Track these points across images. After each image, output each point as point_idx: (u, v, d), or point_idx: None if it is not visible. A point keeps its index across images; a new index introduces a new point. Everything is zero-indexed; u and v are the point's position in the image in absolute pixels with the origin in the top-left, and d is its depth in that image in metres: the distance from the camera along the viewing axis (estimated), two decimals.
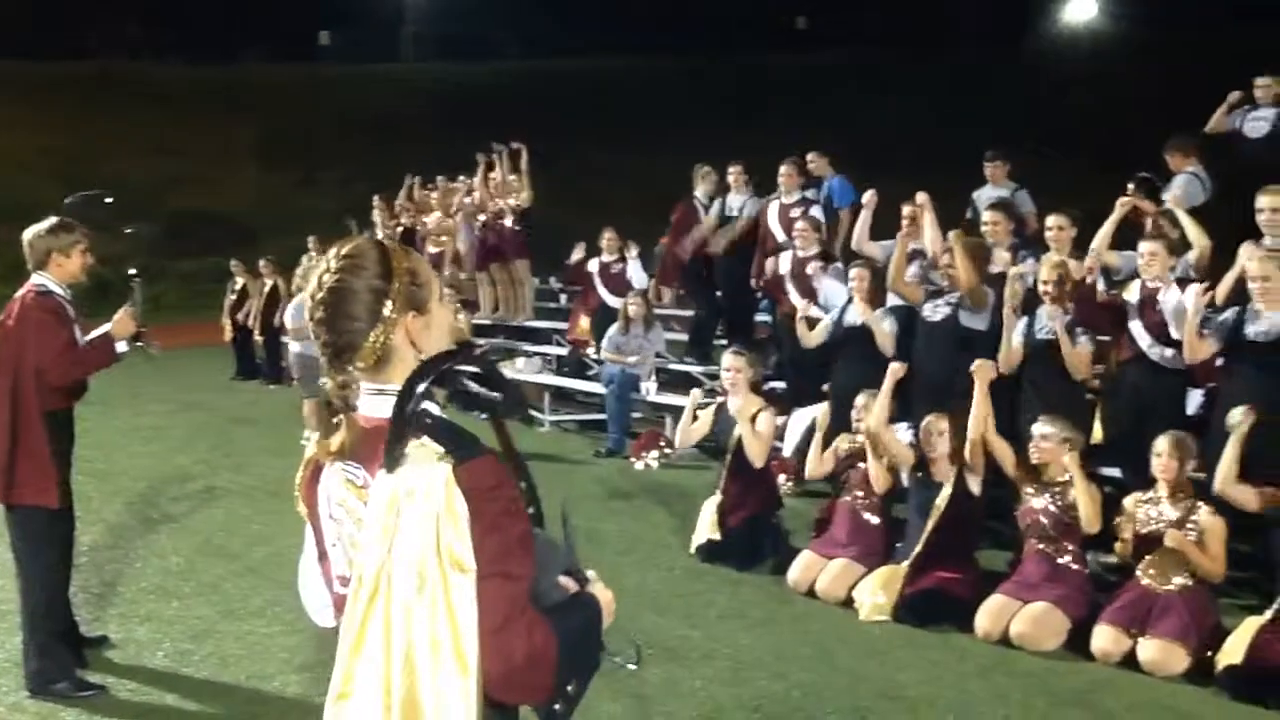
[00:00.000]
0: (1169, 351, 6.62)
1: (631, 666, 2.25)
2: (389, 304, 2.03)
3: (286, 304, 13.59)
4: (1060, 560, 5.84)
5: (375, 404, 2.05)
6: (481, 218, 14.98)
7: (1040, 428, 5.98)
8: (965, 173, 10.59)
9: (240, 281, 16.40)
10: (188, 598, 6.40)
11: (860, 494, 6.68)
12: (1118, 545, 5.79)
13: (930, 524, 6.15)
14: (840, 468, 6.87)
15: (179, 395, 14.28)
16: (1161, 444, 5.62)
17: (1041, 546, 5.88)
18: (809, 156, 10.85)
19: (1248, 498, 5.49)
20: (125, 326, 5.13)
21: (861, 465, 6.70)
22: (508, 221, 14.32)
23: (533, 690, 1.96)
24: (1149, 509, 5.62)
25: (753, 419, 7.09)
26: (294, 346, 11.06)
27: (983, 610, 5.81)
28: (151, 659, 5.47)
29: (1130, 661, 5.38)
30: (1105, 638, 5.48)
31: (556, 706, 2.02)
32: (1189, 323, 6.34)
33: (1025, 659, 5.52)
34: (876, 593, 6.10)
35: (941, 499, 6.15)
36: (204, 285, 26.21)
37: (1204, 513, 5.48)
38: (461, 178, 16.21)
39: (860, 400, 6.86)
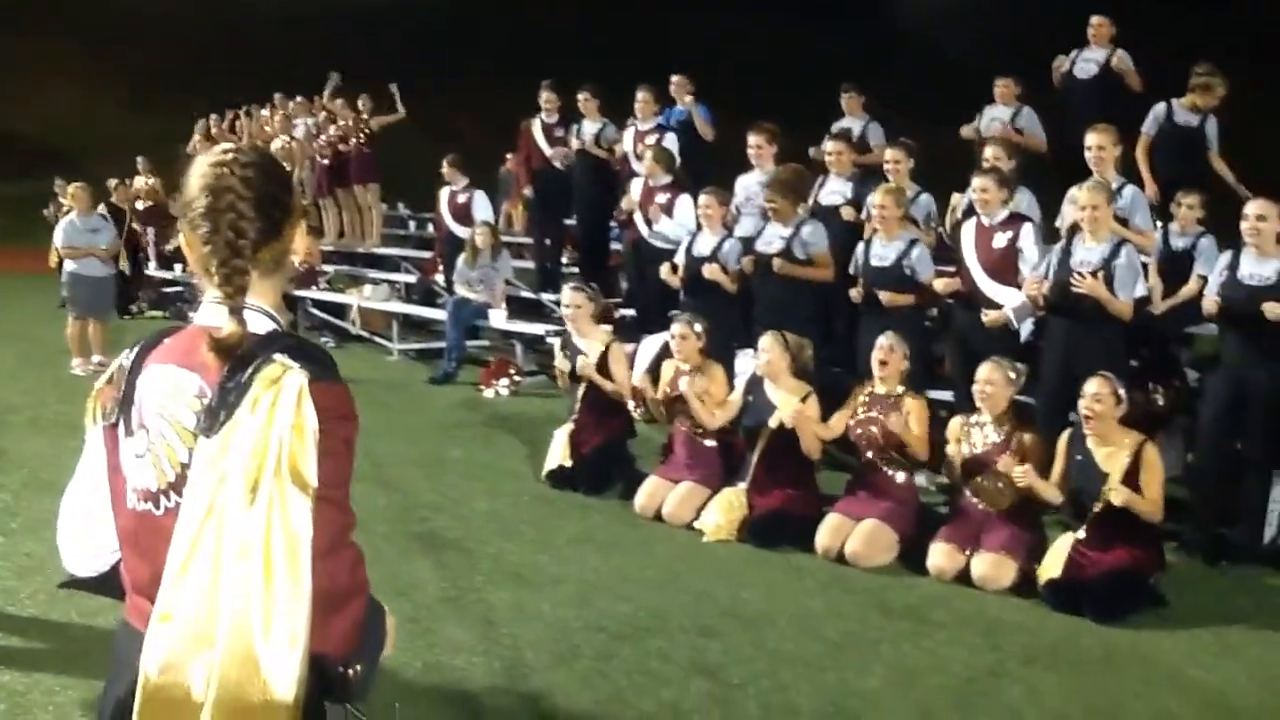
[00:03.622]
0: (1003, 288, 6.77)
1: None
2: (293, 209, 2.02)
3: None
4: (889, 471, 6.08)
5: (219, 314, 1.94)
6: (323, 139, 14.56)
7: (884, 340, 6.18)
8: (810, 106, 10.72)
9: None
10: (14, 534, 6.13)
11: (695, 425, 6.76)
12: (944, 468, 6.02)
13: (760, 447, 6.31)
14: (669, 402, 6.88)
15: (2, 325, 13.59)
16: (984, 370, 5.84)
17: (872, 457, 6.10)
18: (673, 79, 10.62)
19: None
20: None
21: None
22: (355, 145, 13.97)
23: (341, 634, 1.89)
24: (974, 432, 5.85)
25: (603, 355, 7.11)
26: (69, 265, 10.96)
27: (821, 529, 6.01)
28: None
29: (963, 577, 5.64)
30: (940, 555, 5.71)
31: (351, 671, 1.93)
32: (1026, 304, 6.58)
33: (862, 576, 5.73)
34: (720, 515, 6.23)
35: (773, 421, 6.28)
36: (28, 210, 24.89)
37: (1026, 436, 5.72)
38: (299, 98, 15.70)
39: (675, 329, 6.91)
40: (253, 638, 1.76)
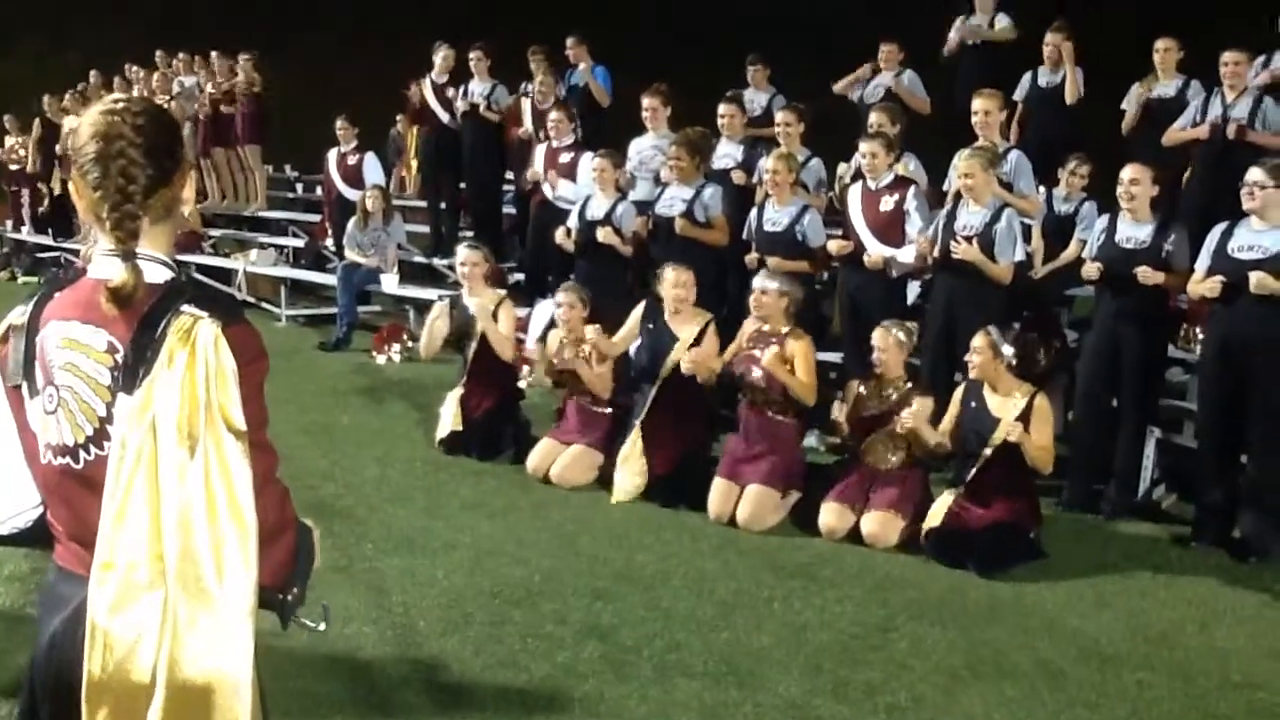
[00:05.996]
0: (889, 249, 6.88)
1: (322, 627, 2.27)
2: (182, 160, 2.04)
3: None
4: (770, 414, 6.10)
5: (113, 264, 1.94)
6: (204, 96, 14.12)
7: (760, 282, 6.23)
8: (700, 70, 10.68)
9: None
10: None
11: (585, 395, 6.75)
12: (837, 428, 6.10)
13: (651, 394, 6.38)
14: (557, 374, 6.86)
15: None
16: (875, 337, 5.94)
17: (757, 405, 6.14)
18: (568, 41, 10.52)
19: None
20: None
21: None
22: (238, 104, 13.56)
23: (276, 565, 2.00)
24: (871, 392, 5.94)
25: (494, 313, 7.05)
26: None
27: (711, 496, 6.04)
28: None
29: (853, 536, 5.74)
30: (831, 514, 5.81)
31: (289, 597, 2.08)
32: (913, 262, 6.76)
33: (755, 537, 5.80)
34: (628, 474, 6.28)
35: (671, 360, 6.34)
36: None
37: (919, 398, 5.83)
38: (181, 54, 15.20)
39: (562, 298, 6.88)
40: (203, 572, 1.85)
